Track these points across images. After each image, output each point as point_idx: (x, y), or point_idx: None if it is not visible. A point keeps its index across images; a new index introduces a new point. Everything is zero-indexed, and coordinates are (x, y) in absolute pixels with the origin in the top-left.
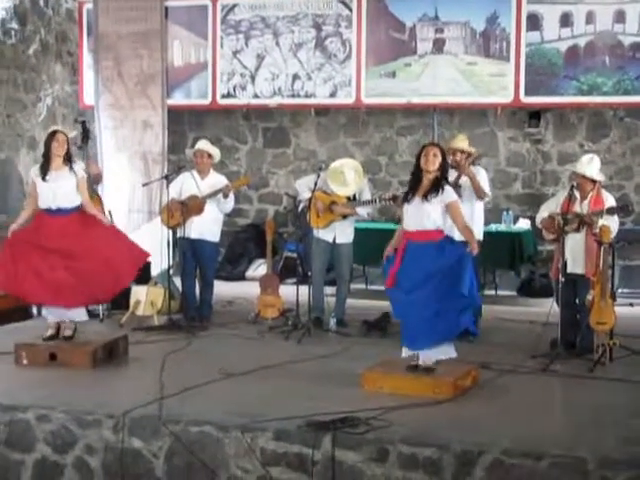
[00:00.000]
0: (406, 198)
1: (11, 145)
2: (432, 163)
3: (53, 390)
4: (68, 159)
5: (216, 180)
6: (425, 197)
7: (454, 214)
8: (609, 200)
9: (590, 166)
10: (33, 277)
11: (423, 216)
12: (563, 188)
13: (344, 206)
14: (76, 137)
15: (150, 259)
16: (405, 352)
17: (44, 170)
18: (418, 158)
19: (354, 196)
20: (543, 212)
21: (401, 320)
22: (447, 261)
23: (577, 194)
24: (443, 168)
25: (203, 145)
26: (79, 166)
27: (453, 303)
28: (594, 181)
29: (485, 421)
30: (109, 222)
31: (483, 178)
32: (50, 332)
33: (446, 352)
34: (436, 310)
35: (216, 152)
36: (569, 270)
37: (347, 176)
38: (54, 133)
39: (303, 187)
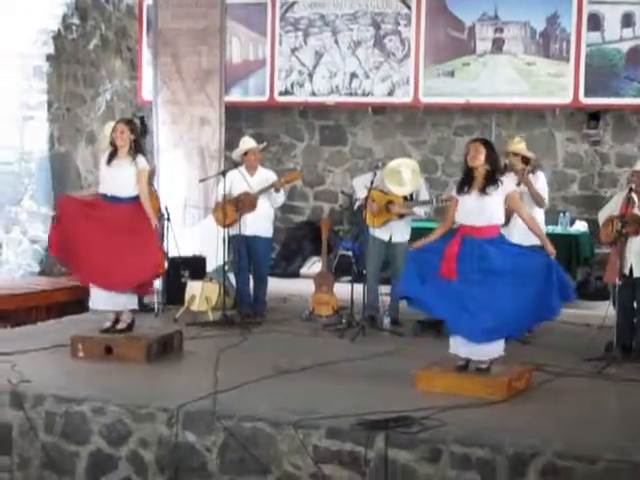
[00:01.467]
0: (462, 190)
1: (70, 139)
2: (476, 159)
3: (108, 383)
4: (135, 150)
5: (265, 175)
6: (483, 190)
7: (515, 205)
8: None
9: None
10: (79, 252)
11: (485, 208)
12: (621, 190)
13: (400, 206)
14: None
15: (205, 255)
16: (454, 348)
17: (111, 156)
18: (466, 152)
19: (411, 195)
20: (603, 214)
21: (454, 313)
22: (527, 264)
23: (635, 197)
24: (493, 160)
25: (253, 143)
26: (142, 159)
27: (531, 306)
28: None
29: (538, 423)
30: (155, 222)
31: (542, 185)
32: (107, 324)
33: (498, 350)
34: (507, 307)
35: (261, 145)
36: (635, 274)
37: (404, 175)
38: (116, 123)
39: (359, 185)
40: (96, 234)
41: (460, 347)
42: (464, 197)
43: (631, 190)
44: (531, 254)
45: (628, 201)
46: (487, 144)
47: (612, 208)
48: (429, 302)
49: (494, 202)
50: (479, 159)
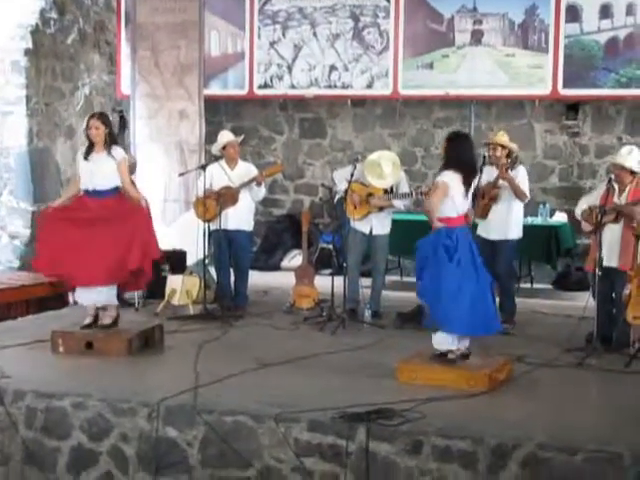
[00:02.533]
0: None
1: (49, 134)
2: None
3: (89, 378)
4: (110, 142)
5: (245, 169)
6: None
7: None
8: None
9: (630, 157)
10: (72, 255)
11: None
12: (601, 181)
13: (381, 198)
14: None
15: (185, 249)
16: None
17: (88, 151)
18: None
19: (391, 188)
20: (582, 204)
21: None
22: None
23: (616, 186)
24: None
25: (232, 136)
26: (118, 150)
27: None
28: (633, 173)
29: (520, 414)
30: (146, 204)
31: (523, 179)
32: (88, 320)
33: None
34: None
35: (239, 138)
36: (605, 263)
37: (384, 168)
38: (89, 119)
39: (340, 178)
40: (81, 235)
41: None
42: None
43: (610, 180)
44: None
45: (608, 191)
46: None
47: (592, 199)
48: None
49: None
50: None
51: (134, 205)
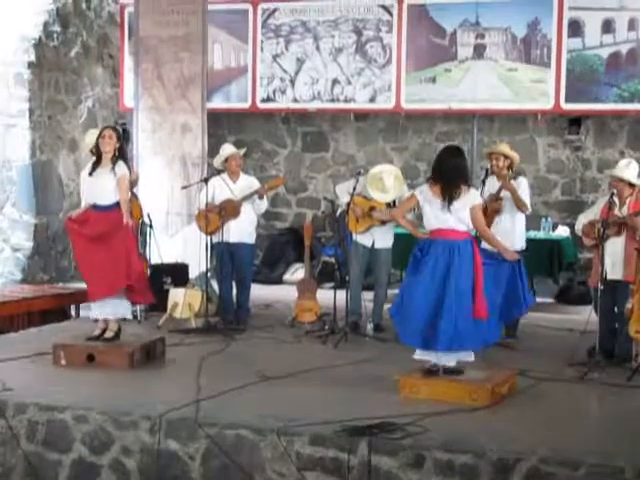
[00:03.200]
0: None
1: (52, 147)
2: None
3: (90, 391)
4: (118, 156)
5: (247, 182)
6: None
7: None
8: None
9: (628, 169)
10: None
11: None
12: (603, 195)
13: (383, 212)
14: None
15: (188, 262)
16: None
17: (93, 167)
18: (452, 160)
19: (394, 202)
20: (582, 220)
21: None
22: None
23: (616, 200)
24: None
25: (234, 149)
26: (122, 166)
27: None
28: (632, 185)
29: (522, 428)
30: (128, 220)
31: (525, 190)
32: (97, 332)
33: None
34: None
35: (242, 150)
36: (608, 277)
37: (386, 182)
38: (102, 130)
39: (342, 192)
40: (84, 248)
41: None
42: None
43: (612, 195)
44: None
45: (610, 205)
46: None
47: (591, 214)
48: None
49: None
50: None
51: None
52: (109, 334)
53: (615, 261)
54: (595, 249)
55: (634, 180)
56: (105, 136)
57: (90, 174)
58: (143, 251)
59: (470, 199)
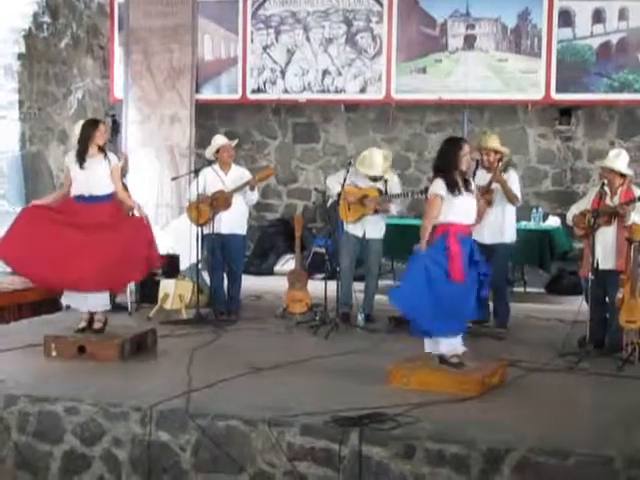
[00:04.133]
0: (454, 192)
1: (42, 138)
2: (469, 164)
3: (81, 382)
4: (102, 148)
5: (239, 173)
6: (469, 190)
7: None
8: (638, 193)
9: (618, 160)
10: (48, 259)
11: (474, 209)
12: (594, 185)
13: (375, 199)
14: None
15: (178, 253)
16: (432, 346)
17: (81, 157)
18: (455, 153)
19: (386, 191)
20: (574, 210)
21: (451, 312)
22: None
23: (607, 190)
24: None
25: (226, 140)
26: (113, 156)
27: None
28: (623, 175)
29: (512, 419)
30: (141, 209)
31: (515, 183)
32: (82, 324)
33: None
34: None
35: (233, 142)
36: (600, 266)
37: (374, 158)
38: (96, 122)
39: (333, 183)
40: (71, 239)
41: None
42: (459, 197)
43: (603, 185)
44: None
45: (600, 195)
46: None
47: (583, 205)
48: (425, 319)
49: (474, 201)
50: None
51: (129, 215)
52: (98, 325)
53: (607, 251)
54: (585, 239)
55: (625, 170)
56: (101, 130)
57: (81, 165)
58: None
59: None
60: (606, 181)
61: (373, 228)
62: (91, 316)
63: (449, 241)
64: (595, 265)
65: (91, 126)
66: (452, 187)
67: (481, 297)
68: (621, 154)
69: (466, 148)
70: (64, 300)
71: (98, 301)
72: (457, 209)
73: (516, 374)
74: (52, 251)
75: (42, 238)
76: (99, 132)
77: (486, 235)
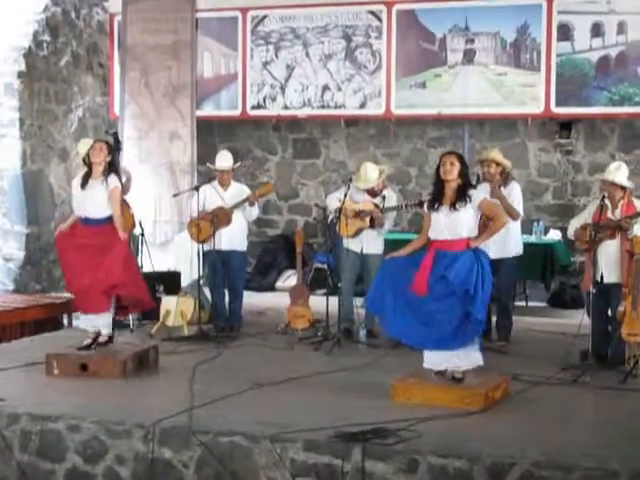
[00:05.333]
0: (433, 207)
1: (43, 156)
2: (450, 172)
3: (84, 400)
4: (108, 170)
5: (238, 189)
6: (453, 206)
7: (492, 212)
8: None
9: (618, 173)
10: (71, 281)
11: (457, 225)
12: (594, 199)
13: (371, 212)
14: None
15: (180, 270)
16: (429, 362)
17: (85, 179)
18: (438, 168)
19: (383, 206)
20: (574, 223)
21: (423, 327)
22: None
23: (608, 203)
24: (464, 175)
25: (228, 164)
26: (113, 179)
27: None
28: (623, 188)
29: (516, 433)
30: (122, 234)
31: (517, 197)
32: (87, 341)
33: (474, 360)
34: (462, 316)
35: (235, 166)
36: (605, 280)
37: (368, 172)
38: (95, 142)
39: (333, 199)
40: (77, 260)
41: (436, 359)
42: (435, 214)
43: (604, 198)
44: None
45: (601, 208)
46: (461, 158)
47: (583, 218)
48: (388, 317)
49: (464, 216)
50: (453, 173)
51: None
52: (102, 339)
53: (610, 264)
54: (587, 253)
55: (625, 183)
56: (96, 147)
57: (82, 186)
58: (135, 259)
59: None
60: (607, 194)
61: (371, 244)
62: (97, 335)
63: (425, 254)
64: (599, 278)
65: (90, 147)
66: (431, 202)
67: (473, 318)
68: (621, 167)
69: (444, 157)
70: (76, 323)
71: (104, 320)
72: (433, 225)
73: (519, 388)
74: (71, 274)
75: (67, 263)
76: (92, 150)
77: (492, 250)
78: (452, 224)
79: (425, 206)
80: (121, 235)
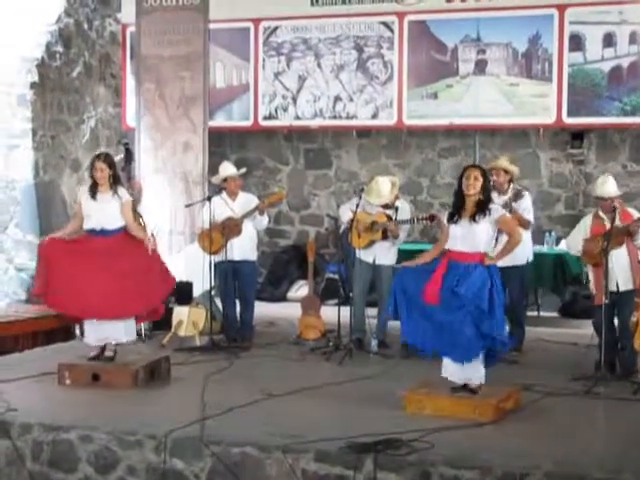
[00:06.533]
0: (452, 219)
1: (55, 167)
2: (473, 187)
3: (95, 410)
4: (114, 183)
5: (246, 199)
6: (473, 218)
7: (509, 228)
8: (635, 214)
9: (607, 186)
10: (70, 289)
11: (474, 237)
12: (587, 213)
13: (384, 224)
14: (120, 160)
15: (191, 280)
16: (446, 371)
17: (93, 190)
18: (460, 179)
19: (396, 218)
20: (573, 241)
21: (438, 335)
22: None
23: (602, 215)
24: (485, 189)
25: (232, 170)
26: (123, 190)
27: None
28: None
29: (527, 443)
30: (152, 243)
31: (528, 207)
32: (94, 353)
33: (481, 376)
34: (474, 330)
35: (241, 171)
36: (621, 288)
37: (381, 187)
38: (94, 160)
39: (345, 210)
40: (89, 267)
41: (451, 369)
42: (453, 225)
43: (615, 209)
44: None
45: (601, 220)
46: (484, 173)
47: (582, 233)
48: (404, 325)
49: (482, 230)
50: (476, 187)
51: (139, 244)
52: (109, 354)
53: (625, 272)
54: (595, 268)
55: (618, 192)
56: (97, 169)
57: (93, 197)
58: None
59: None
60: (600, 212)
61: (384, 254)
62: (103, 345)
63: (439, 263)
64: (614, 288)
65: (91, 164)
66: (450, 214)
67: (484, 331)
68: (608, 179)
69: (469, 170)
70: (87, 339)
71: (117, 332)
72: (450, 235)
73: (530, 398)
74: (72, 281)
75: (61, 269)
76: (95, 172)
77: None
78: (469, 236)
79: (444, 218)
80: (147, 241)
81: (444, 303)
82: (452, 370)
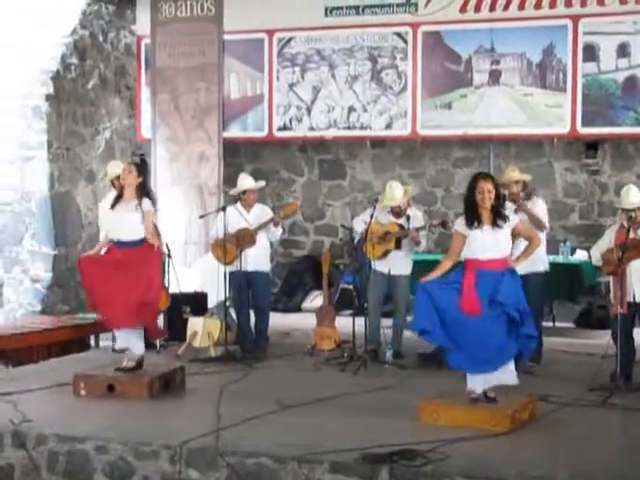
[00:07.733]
0: (472, 225)
1: (70, 178)
2: (489, 199)
3: (111, 421)
4: (141, 192)
5: (261, 210)
6: (496, 224)
7: (526, 233)
8: None
9: (630, 196)
10: (104, 300)
11: (499, 243)
12: (611, 224)
13: (397, 233)
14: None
15: (206, 291)
16: (473, 383)
17: (115, 201)
18: (471, 189)
19: (408, 227)
20: (597, 250)
21: (467, 346)
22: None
23: (626, 225)
24: (498, 197)
25: (253, 183)
26: (147, 202)
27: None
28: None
29: (543, 454)
30: (159, 251)
31: (542, 210)
32: (131, 364)
33: (510, 378)
34: (507, 336)
35: (260, 184)
36: (637, 298)
37: (394, 191)
38: (127, 165)
39: (359, 221)
40: (111, 278)
41: (480, 380)
42: (476, 232)
43: (630, 219)
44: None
45: (628, 230)
46: (495, 182)
47: (607, 243)
48: (436, 333)
49: (505, 235)
50: (492, 199)
51: (151, 259)
52: (130, 364)
53: None
54: (614, 277)
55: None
56: (125, 170)
57: (112, 207)
58: (162, 281)
59: None
60: (625, 222)
61: (399, 264)
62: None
63: (464, 274)
64: (631, 298)
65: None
66: (469, 222)
67: (523, 334)
68: (630, 189)
69: (481, 183)
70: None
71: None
72: (472, 244)
73: (546, 409)
74: (104, 292)
75: (96, 282)
76: (123, 172)
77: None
78: (496, 241)
79: (462, 226)
80: (157, 244)
81: (484, 313)
82: (481, 379)
